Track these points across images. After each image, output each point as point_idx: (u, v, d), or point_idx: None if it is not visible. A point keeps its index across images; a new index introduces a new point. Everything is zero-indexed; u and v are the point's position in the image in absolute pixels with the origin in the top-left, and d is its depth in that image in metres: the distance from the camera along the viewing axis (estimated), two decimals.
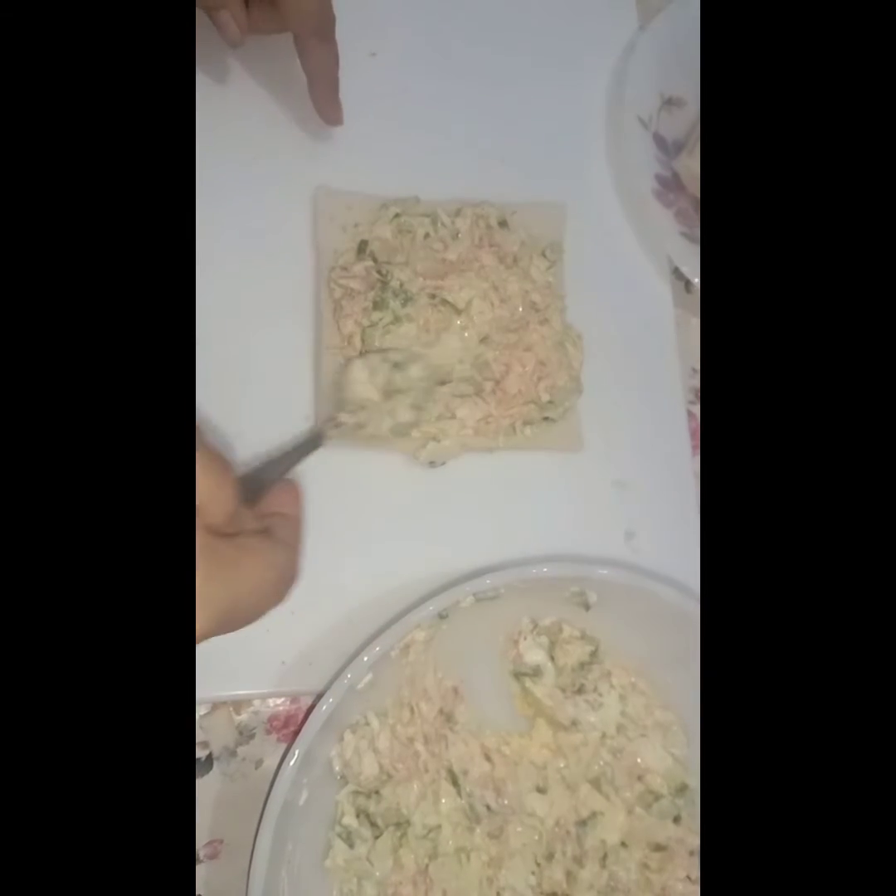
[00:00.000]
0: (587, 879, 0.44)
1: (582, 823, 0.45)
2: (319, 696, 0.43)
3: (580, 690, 0.47)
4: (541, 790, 0.46)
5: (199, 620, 0.29)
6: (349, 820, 0.44)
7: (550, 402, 0.51)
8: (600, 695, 0.47)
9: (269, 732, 0.47)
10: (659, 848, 0.46)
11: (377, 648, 0.43)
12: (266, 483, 0.39)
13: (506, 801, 0.45)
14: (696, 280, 0.53)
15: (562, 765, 0.46)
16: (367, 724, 0.45)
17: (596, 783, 0.46)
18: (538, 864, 0.45)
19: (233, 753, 0.47)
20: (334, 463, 0.47)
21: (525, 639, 0.47)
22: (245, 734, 0.47)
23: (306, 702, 0.47)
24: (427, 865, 0.44)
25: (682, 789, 0.46)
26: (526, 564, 0.46)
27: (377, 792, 0.44)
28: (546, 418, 0.51)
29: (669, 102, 0.58)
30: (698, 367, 0.56)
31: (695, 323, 0.57)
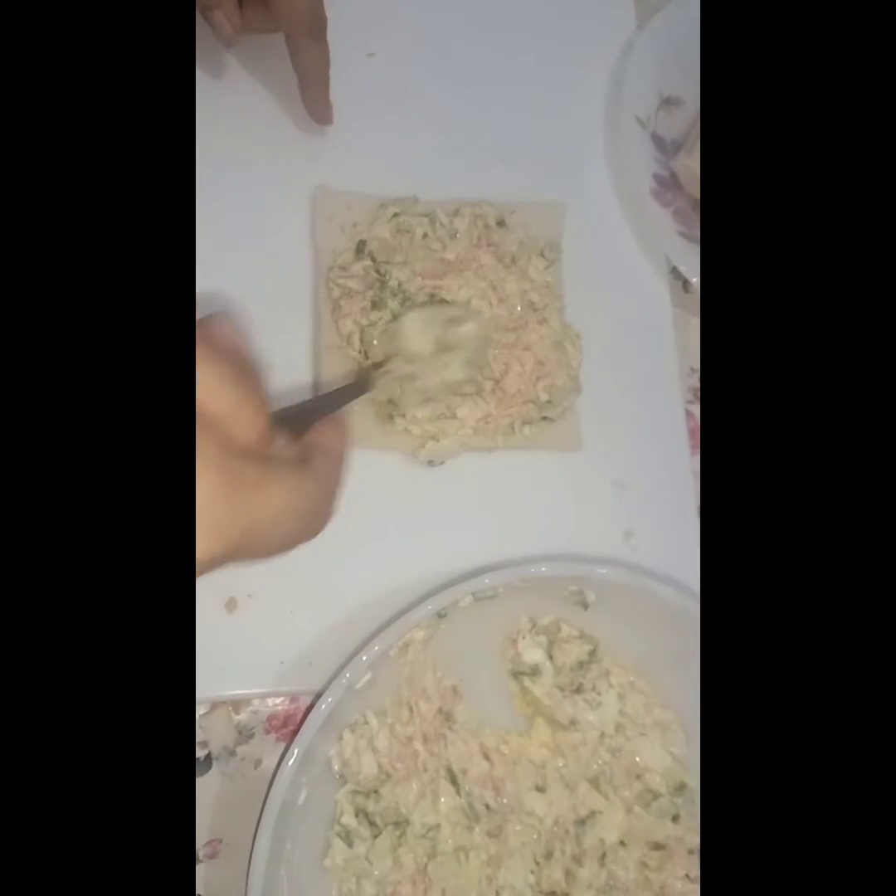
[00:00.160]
0: (586, 878, 0.45)
1: (581, 822, 0.46)
2: (318, 696, 0.43)
3: (579, 689, 0.47)
4: (540, 789, 0.46)
5: (211, 542, 0.27)
6: (348, 819, 0.44)
7: (549, 401, 0.51)
8: (599, 694, 0.47)
9: (268, 732, 0.47)
10: (658, 847, 0.46)
11: (376, 648, 0.43)
12: (310, 419, 0.38)
13: (505, 800, 0.45)
14: (694, 280, 0.53)
15: (560, 764, 0.46)
16: (366, 723, 0.45)
17: (595, 782, 0.46)
18: (537, 863, 0.45)
19: (232, 753, 0.47)
20: None
21: (524, 638, 0.47)
22: (244, 734, 0.47)
23: (305, 701, 0.48)
24: (426, 864, 0.44)
25: (680, 788, 0.46)
26: (524, 564, 0.46)
27: (376, 791, 0.44)
28: (545, 418, 0.51)
29: (667, 102, 0.58)
30: (696, 366, 0.56)
31: (693, 322, 0.57)
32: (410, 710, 0.46)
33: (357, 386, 0.45)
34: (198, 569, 0.26)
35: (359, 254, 0.52)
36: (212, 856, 0.45)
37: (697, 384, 0.56)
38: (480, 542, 0.49)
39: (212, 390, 0.28)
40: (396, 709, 0.46)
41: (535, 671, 0.47)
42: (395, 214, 0.52)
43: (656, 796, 0.46)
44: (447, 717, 0.46)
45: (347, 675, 0.43)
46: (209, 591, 0.47)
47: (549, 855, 0.45)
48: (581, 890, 0.44)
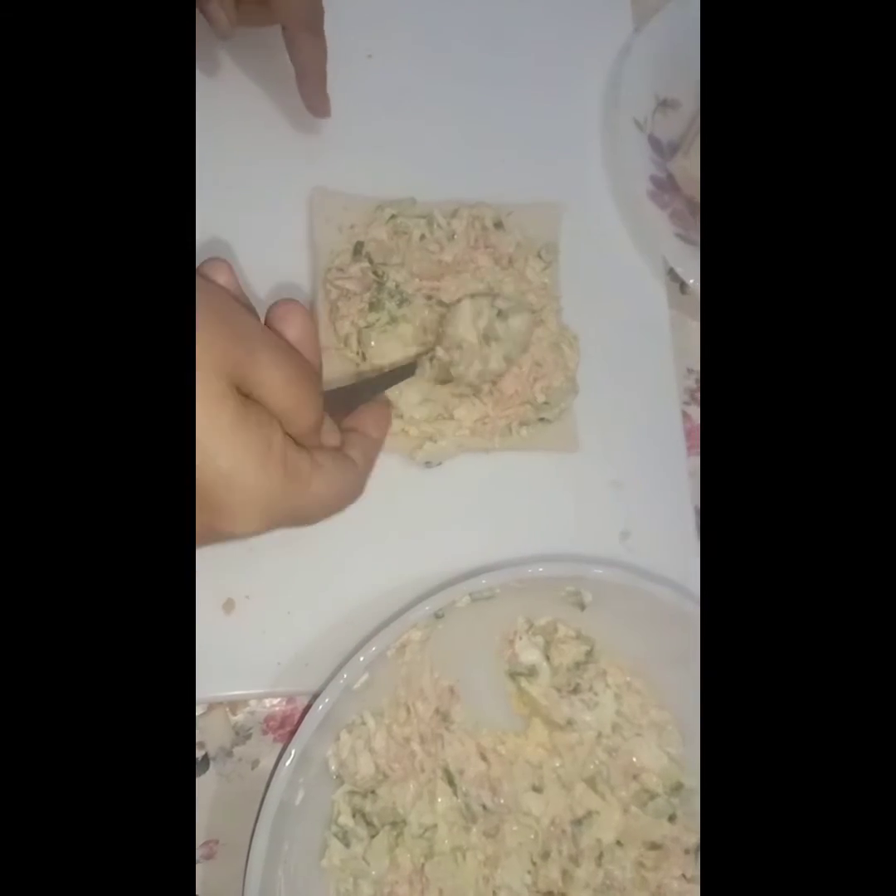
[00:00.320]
0: (583, 878, 0.45)
1: (577, 822, 0.46)
2: (315, 696, 0.43)
3: (576, 690, 0.47)
4: (537, 789, 0.46)
5: (263, 523, 0.32)
6: (345, 819, 0.44)
7: (546, 402, 0.51)
8: (596, 694, 0.47)
9: (265, 732, 0.47)
10: (654, 846, 0.46)
11: (373, 648, 0.43)
12: (355, 401, 0.41)
13: (502, 801, 0.45)
14: (691, 281, 0.53)
15: (557, 764, 0.46)
16: (363, 723, 0.45)
17: (591, 782, 0.46)
18: (534, 863, 0.45)
19: (229, 754, 0.47)
20: None
21: (521, 638, 0.47)
22: (241, 734, 0.47)
23: (302, 702, 0.48)
24: (423, 865, 0.44)
25: (677, 788, 0.46)
26: (522, 564, 0.46)
27: (373, 791, 0.45)
28: (542, 419, 0.51)
29: (664, 104, 0.59)
30: (693, 367, 0.56)
31: (690, 324, 0.57)
32: (407, 710, 0.46)
33: (402, 370, 0.46)
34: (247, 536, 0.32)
35: (356, 255, 0.52)
36: (209, 856, 0.45)
37: (694, 385, 0.56)
38: (477, 542, 0.49)
39: (281, 387, 0.32)
40: (394, 709, 0.46)
41: (531, 672, 0.47)
42: (393, 216, 0.52)
43: (653, 796, 0.46)
44: (444, 717, 0.46)
45: (344, 676, 0.43)
46: (207, 591, 0.47)
47: (545, 855, 0.45)
48: (578, 890, 0.45)
